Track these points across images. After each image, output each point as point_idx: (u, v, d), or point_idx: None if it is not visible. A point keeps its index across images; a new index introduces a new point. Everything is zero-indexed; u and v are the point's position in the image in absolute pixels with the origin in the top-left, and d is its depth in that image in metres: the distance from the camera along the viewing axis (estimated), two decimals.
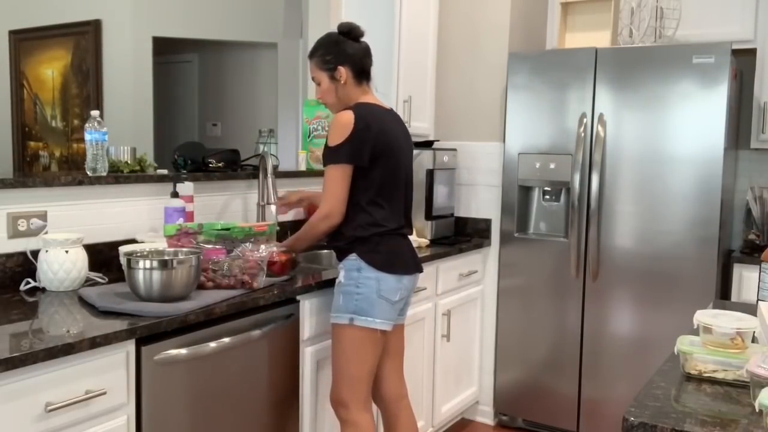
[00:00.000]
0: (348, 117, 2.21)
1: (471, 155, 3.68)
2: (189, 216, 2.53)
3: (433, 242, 3.39)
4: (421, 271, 2.41)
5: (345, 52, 2.30)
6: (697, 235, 3.08)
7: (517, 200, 3.50)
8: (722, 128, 3.01)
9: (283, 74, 5.43)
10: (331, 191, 2.23)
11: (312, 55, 2.35)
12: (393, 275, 2.24)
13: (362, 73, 2.33)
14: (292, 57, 5.36)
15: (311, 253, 2.97)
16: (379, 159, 2.24)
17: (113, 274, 2.27)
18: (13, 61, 5.92)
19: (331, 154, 2.23)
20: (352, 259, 2.24)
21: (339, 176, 2.21)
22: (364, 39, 2.37)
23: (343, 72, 2.30)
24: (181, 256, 1.99)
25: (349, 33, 2.32)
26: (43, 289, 2.07)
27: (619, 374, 3.26)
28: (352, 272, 2.23)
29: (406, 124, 2.52)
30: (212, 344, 1.94)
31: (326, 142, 2.27)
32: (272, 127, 5.33)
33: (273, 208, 2.77)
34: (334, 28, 2.39)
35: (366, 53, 2.35)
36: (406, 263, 2.31)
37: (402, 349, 2.49)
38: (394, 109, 3.25)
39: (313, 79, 2.37)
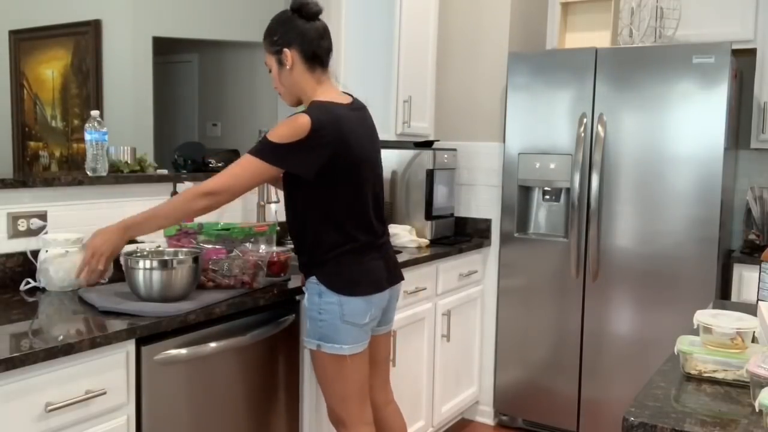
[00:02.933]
0: (304, 121, 1.92)
1: (471, 155, 3.68)
2: None
3: (433, 242, 3.39)
4: (400, 280, 2.21)
5: (292, 32, 2.00)
6: (697, 235, 3.08)
7: (517, 200, 3.50)
8: (722, 128, 3.01)
9: None
10: (235, 177, 1.93)
11: (264, 36, 2.06)
12: (358, 297, 2.02)
13: (314, 57, 2.02)
14: None
15: None
16: (338, 175, 1.99)
17: (113, 274, 2.27)
18: (13, 61, 5.91)
19: (265, 148, 1.94)
20: (313, 282, 2.05)
21: (256, 171, 1.93)
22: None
23: (288, 55, 2.01)
24: (181, 256, 2.00)
25: (300, 10, 2.01)
26: (43, 289, 2.07)
27: (619, 374, 3.26)
28: (314, 297, 2.04)
29: (369, 112, 2.21)
30: (212, 344, 1.94)
31: (266, 131, 1.99)
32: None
33: (273, 207, 2.76)
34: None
35: (320, 35, 2.02)
36: (376, 281, 2.08)
37: (387, 357, 2.35)
38: (392, 109, 3.27)
39: (266, 64, 2.09)
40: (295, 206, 2.08)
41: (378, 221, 2.16)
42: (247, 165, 1.94)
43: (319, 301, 2.04)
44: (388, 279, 2.15)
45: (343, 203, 2.04)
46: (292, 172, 1.98)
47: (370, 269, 2.09)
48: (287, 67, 2.03)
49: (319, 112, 1.97)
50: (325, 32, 2.06)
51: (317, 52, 2.04)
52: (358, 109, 2.13)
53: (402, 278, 2.24)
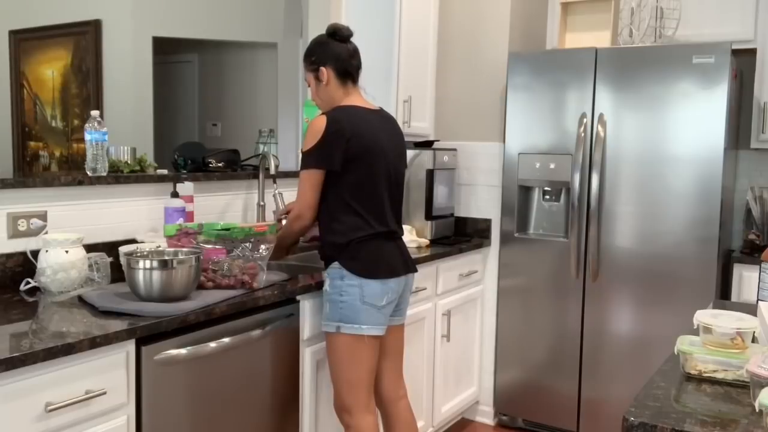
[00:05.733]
0: (320, 122, 2.21)
1: (471, 155, 3.68)
2: (189, 216, 2.53)
3: (433, 242, 3.39)
4: (413, 271, 2.39)
5: (328, 52, 2.30)
6: (697, 235, 3.08)
7: (517, 200, 3.50)
8: (722, 128, 3.01)
9: (283, 74, 5.43)
10: (301, 195, 2.26)
11: (303, 57, 2.39)
12: (376, 280, 2.22)
13: (345, 74, 2.32)
14: (292, 57, 5.36)
15: (311, 253, 2.97)
16: (353, 163, 2.21)
17: (113, 274, 2.27)
18: (13, 61, 5.92)
19: (303, 160, 2.26)
20: (335, 267, 2.24)
21: (308, 180, 2.24)
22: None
23: (324, 72, 2.30)
24: (181, 256, 1.99)
25: (334, 34, 2.33)
26: (43, 290, 2.07)
27: (619, 374, 3.26)
28: (336, 280, 2.23)
29: (399, 124, 2.50)
30: (212, 344, 1.94)
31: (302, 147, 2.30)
32: (272, 127, 5.34)
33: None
34: None
35: (351, 55, 2.33)
36: (392, 266, 2.28)
37: (400, 349, 2.48)
38: (392, 109, 3.27)
39: (305, 80, 2.41)
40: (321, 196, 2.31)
41: (394, 221, 2.36)
42: (302, 180, 2.25)
43: (341, 284, 2.22)
44: (404, 267, 2.34)
45: (358, 189, 2.24)
46: (329, 168, 2.21)
47: (386, 256, 2.29)
48: (323, 82, 2.32)
49: (335, 111, 2.26)
50: (355, 53, 2.35)
51: (348, 70, 2.33)
52: (382, 116, 2.38)
53: (416, 270, 2.43)
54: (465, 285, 3.44)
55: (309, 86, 2.38)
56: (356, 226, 2.23)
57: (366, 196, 2.25)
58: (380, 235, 2.28)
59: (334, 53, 2.30)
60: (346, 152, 2.20)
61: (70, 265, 2.05)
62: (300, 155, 3.22)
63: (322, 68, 2.30)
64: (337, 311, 2.22)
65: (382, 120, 2.36)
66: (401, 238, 2.40)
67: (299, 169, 2.28)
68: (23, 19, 5.75)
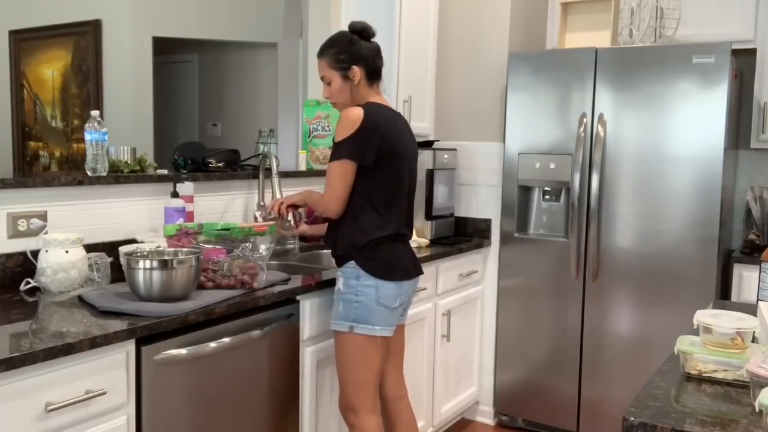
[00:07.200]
0: (357, 113, 2.17)
1: (471, 155, 3.68)
2: (189, 216, 2.53)
3: (433, 242, 3.39)
4: (421, 273, 2.40)
5: (359, 51, 2.26)
6: (697, 235, 3.08)
7: (517, 200, 3.50)
8: (722, 128, 3.01)
9: (283, 74, 5.43)
10: (331, 187, 2.20)
11: (323, 53, 2.30)
12: (392, 282, 2.22)
13: (374, 73, 2.31)
14: (292, 57, 5.36)
15: (311, 253, 2.97)
16: (383, 161, 2.20)
17: (113, 274, 2.27)
18: (13, 61, 5.92)
19: (335, 150, 2.20)
20: (351, 266, 2.22)
21: (339, 172, 2.18)
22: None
23: (357, 72, 2.26)
24: (181, 256, 1.99)
25: (362, 32, 2.30)
26: (43, 290, 2.07)
27: (619, 374, 3.26)
28: (351, 280, 2.22)
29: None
30: (212, 344, 1.94)
31: (334, 137, 2.23)
32: (272, 127, 5.34)
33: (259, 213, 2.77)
34: (334, 28, 2.39)
35: (377, 54, 2.32)
36: (406, 269, 2.29)
37: (402, 349, 2.49)
38: (393, 106, 3.27)
39: (322, 78, 2.32)
40: None
41: (407, 223, 2.37)
42: (333, 171, 2.20)
43: (356, 284, 2.21)
44: (414, 270, 2.35)
45: (383, 188, 2.23)
46: (361, 162, 2.18)
47: (401, 258, 2.29)
48: (354, 81, 2.28)
49: (369, 105, 2.24)
50: (379, 52, 2.34)
51: (376, 69, 2.32)
52: (402, 118, 2.39)
53: (422, 272, 2.41)
54: (465, 285, 3.44)
55: (328, 84, 2.30)
56: (377, 227, 2.22)
57: (390, 196, 2.25)
58: (396, 237, 2.28)
59: (364, 52, 2.27)
60: (379, 149, 2.18)
61: (70, 265, 2.05)
62: (298, 155, 3.23)
63: (354, 67, 2.25)
64: (352, 311, 2.21)
65: (403, 122, 2.37)
66: (409, 241, 2.40)
67: (330, 159, 2.22)
68: (23, 19, 5.75)
